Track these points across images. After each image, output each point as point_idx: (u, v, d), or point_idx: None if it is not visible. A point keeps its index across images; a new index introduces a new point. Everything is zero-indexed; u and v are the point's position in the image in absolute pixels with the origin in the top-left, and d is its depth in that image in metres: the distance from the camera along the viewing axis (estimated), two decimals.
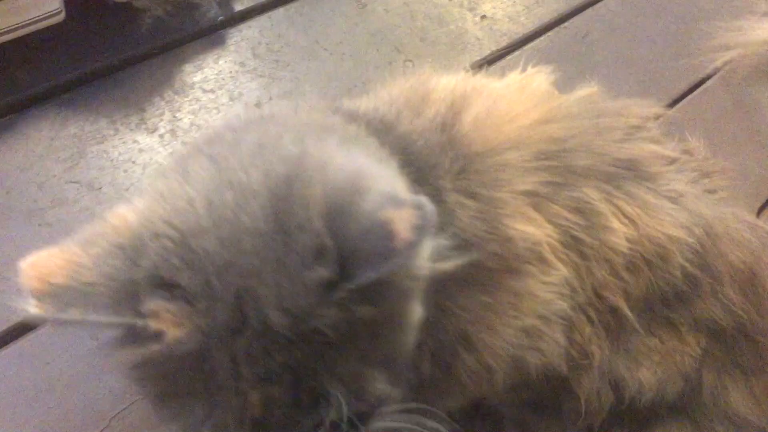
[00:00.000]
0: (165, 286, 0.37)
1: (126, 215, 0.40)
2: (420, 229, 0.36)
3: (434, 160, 0.49)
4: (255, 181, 0.39)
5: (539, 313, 0.52)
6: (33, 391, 0.77)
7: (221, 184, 0.39)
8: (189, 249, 0.37)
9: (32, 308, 0.36)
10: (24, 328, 0.81)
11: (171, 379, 0.38)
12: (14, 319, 0.81)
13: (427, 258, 0.41)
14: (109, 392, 0.79)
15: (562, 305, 0.53)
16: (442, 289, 0.47)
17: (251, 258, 0.37)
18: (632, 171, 0.55)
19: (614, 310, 0.55)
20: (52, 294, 0.36)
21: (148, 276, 0.37)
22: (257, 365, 0.37)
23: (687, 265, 0.55)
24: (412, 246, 0.36)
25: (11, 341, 0.80)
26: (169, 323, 0.36)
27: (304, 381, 0.38)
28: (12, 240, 0.84)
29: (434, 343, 0.50)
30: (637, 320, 0.55)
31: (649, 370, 0.59)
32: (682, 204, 0.55)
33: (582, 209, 0.52)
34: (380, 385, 0.40)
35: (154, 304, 0.37)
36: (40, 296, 0.36)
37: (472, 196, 0.49)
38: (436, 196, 0.48)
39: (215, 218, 0.38)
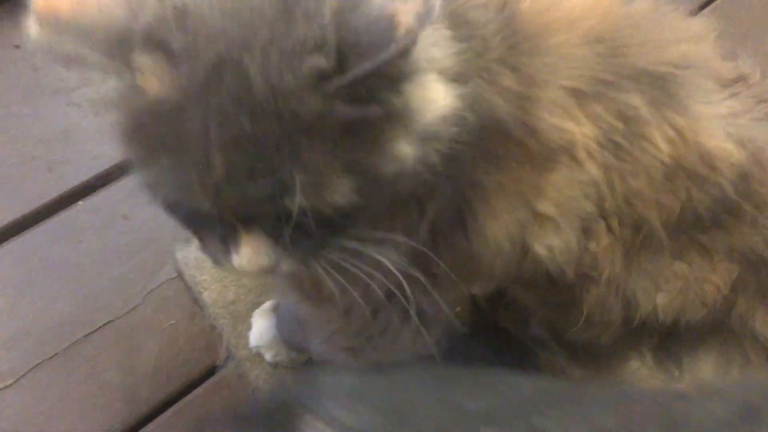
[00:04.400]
0: (156, 44, 0.38)
1: None
2: (422, 16, 0.36)
3: (486, 34, 0.47)
4: None
5: (558, 203, 0.51)
6: (66, 268, 0.80)
7: None
8: (186, 12, 0.38)
9: (33, 31, 0.38)
10: (56, 207, 0.83)
11: (148, 134, 0.40)
12: (47, 197, 0.83)
13: (427, 53, 0.41)
14: (142, 270, 0.81)
15: (586, 205, 0.51)
16: (453, 160, 0.46)
17: (246, 31, 0.38)
18: (686, 78, 0.51)
19: (641, 225, 0.53)
20: (55, 24, 0.38)
21: (143, 32, 0.38)
22: (226, 128, 0.38)
23: (729, 187, 0.52)
24: (412, 32, 0.36)
25: (43, 219, 0.82)
26: (152, 79, 0.38)
27: (267, 156, 0.39)
28: (38, 118, 0.84)
29: (434, 208, 0.50)
30: (666, 238, 0.54)
31: (668, 295, 0.57)
32: (734, 122, 0.52)
33: (626, 114, 0.49)
34: (343, 190, 0.40)
35: (142, 59, 0.38)
36: (44, 23, 0.38)
37: (516, 79, 0.47)
38: (479, 68, 0.46)
39: None
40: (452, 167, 0.46)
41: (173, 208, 0.42)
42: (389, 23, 0.36)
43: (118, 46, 0.38)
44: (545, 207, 0.51)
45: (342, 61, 0.37)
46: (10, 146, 0.84)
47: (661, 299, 0.57)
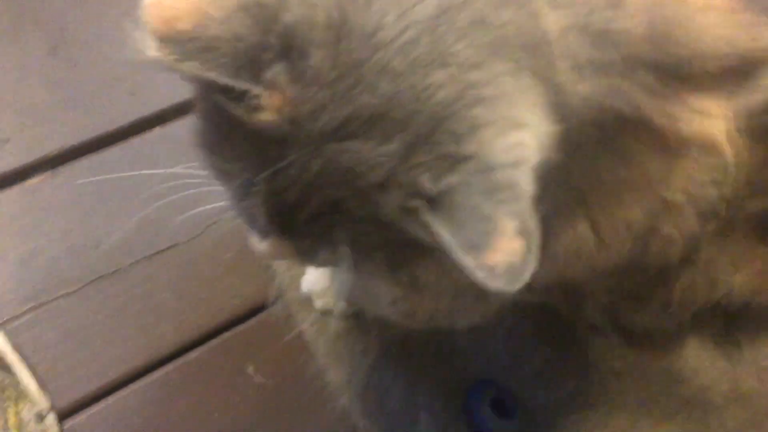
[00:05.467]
0: (294, 53, 0.34)
1: None
2: (512, 269, 0.33)
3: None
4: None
5: (687, 191, 0.48)
6: (136, 190, 0.82)
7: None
8: (341, 34, 0.34)
9: (151, 51, 0.33)
10: (134, 130, 0.85)
11: (235, 138, 0.37)
12: (126, 119, 0.85)
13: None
14: (207, 201, 0.83)
15: (712, 192, 0.49)
16: (576, 152, 0.43)
17: (399, 107, 0.34)
18: None
19: (744, 208, 0.51)
20: (175, 40, 0.33)
21: (281, 37, 0.34)
22: (312, 176, 0.35)
23: None
24: (495, 274, 0.33)
25: (120, 141, 0.84)
26: (274, 105, 0.34)
27: (325, 221, 0.37)
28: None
29: (541, 212, 0.48)
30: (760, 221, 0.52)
31: (746, 277, 0.55)
32: None
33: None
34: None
35: (275, 75, 0.34)
36: (162, 39, 0.33)
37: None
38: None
39: (395, 46, 0.34)
40: (565, 167, 0.44)
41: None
42: (487, 239, 0.33)
43: (248, 64, 0.34)
44: (674, 195, 0.48)
45: (438, 202, 0.35)
46: (98, 66, 0.87)
47: (738, 280, 0.55)
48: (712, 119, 0.46)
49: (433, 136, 0.34)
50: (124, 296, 0.77)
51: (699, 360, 0.74)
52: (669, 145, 0.46)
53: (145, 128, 0.86)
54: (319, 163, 0.35)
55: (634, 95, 0.43)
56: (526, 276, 0.33)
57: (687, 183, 0.48)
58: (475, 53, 0.35)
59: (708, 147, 0.46)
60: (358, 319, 0.76)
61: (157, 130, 0.86)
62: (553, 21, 0.39)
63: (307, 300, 0.78)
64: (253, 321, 0.78)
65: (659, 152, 0.46)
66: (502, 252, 0.33)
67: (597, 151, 0.44)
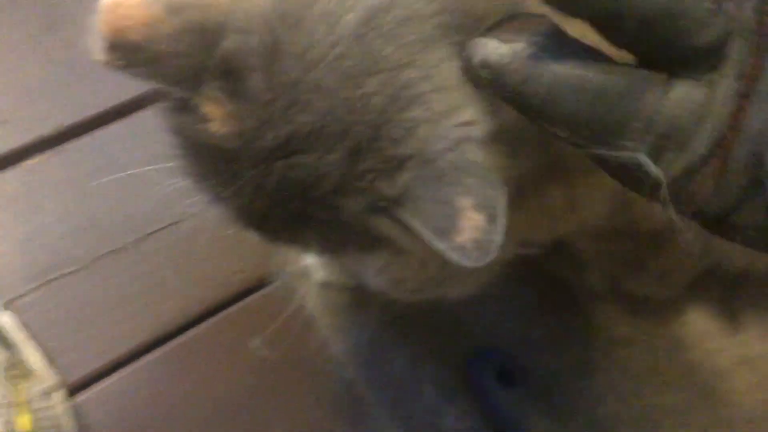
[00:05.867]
0: (231, 76, 0.36)
1: None
2: (480, 244, 0.34)
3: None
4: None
5: None
6: (137, 167, 0.82)
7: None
8: (274, 58, 0.35)
9: (99, 55, 0.35)
10: (134, 106, 0.85)
11: (196, 156, 0.39)
12: (127, 95, 0.85)
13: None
14: None
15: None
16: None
17: (337, 118, 0.35)
18: None
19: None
20: (123, 48, 0.35)
21: (219, 61, 0.36)
22: (271, 190, 0.37)
23: None
24: (463, 251, 0.34)
25: (121, 117, 0.84)
26: (217, 115, 0.36)
27: (294, 226, 0.39)
28: None
29: (518, 169, 0.47)
30: None
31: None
32: None
33: None
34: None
35: (213, 90, 0.36)
36: (111, 47, 0.35)
37: None
38: None
39: (333, 54, 0.35)
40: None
41: None
42: (452, 221, 0.34)
43: (190, 78, 0.36)
44: None
45: (400, 201, 0.36)
46: None
47: (734, 246, 0.54)
48: None
49: (374, 142, 0.35)
50: (128, 273, 0.77)
51: (704, 325, 0.74)
52: None
53: (144, 105, 0.85)
54: (274, 180, 0.37)
55: None
56: (494, 248, 0.34)
57: None
58: (406, 52, 0.36)
59: None
60: (359, 291, 0.76)
61: (157, 107, 0.86)
62: None
63: (307, 273, 0.78)
64: (255, 296, 0.78)
65: None
66: (466, 230, 0.34)
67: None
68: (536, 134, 0.39)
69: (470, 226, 0.34)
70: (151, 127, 0.85)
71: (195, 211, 0.79)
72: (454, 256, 0.34)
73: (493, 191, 0.35)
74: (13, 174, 0.79)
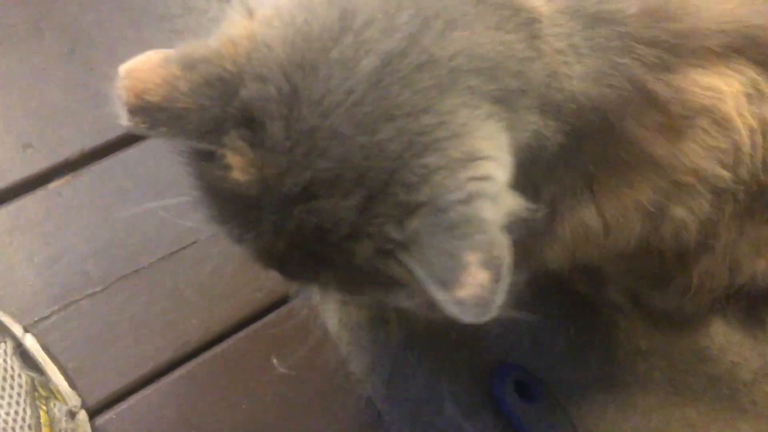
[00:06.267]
0: (252, 123, 0.37)
1: (240, 41, 0.38)
2: (481, 301, 0.34)
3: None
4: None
5: (697, 173, 0.48)
6: (158, 187, 0.83)
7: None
8: (293, 105, 0.36)
9: (123, 120, 0.37)
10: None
11: (219, 200, 0.40)
12: None
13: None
14: None
15: (723, 174, 0.48)
16: (580, 140, 0.43)
17: (352, 165, 0.36)
18: None
19: (764, 192, 0.50)
20: (145, 111, 0.37)
21: (240, 109, 0.37)
22: (290, 234, 0.38)
23: None
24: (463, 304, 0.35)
25: (142, 139, 0.85)
26: (239, 164, 0.37)
27: (313, 268, 0.40)
28: (143, 42, 0.86)
29: (551, 192, 0.47)
30: None
31: None
32: None
33: None
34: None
35: (234, 140, 0.37)
36: (133, 110, 0.37)
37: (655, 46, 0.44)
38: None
39: (346, 104, 0.36)
40: (572, 152, 0.44)
41: None
42: (456, 275, 0.35)
43: (212, 131, 0.37)
44: (683, 177, 0.48)
45: (407, 246, 0.36)
46: (115, 67, 0.87)
47: (761, 265, 0.54)
48: (720, 96, 0.45)
49: (387, 188, 0.36)
50: (148, 294, 0.78)
51: (726, 338, 0.73)
52: (673, 125, 0.45)
53: None
54: (293, 224, 0.37)
55: (635, 70, 0.43)
56: (494, 306, 0.34)
57: (696, 164, 0.47)
58: (422, 98, 0.36)
59: (718, 121, 0.45)
60: (379, 308, 0.76)
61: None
62: (541, 4, 0.39)
63: None
64: (275, 313, 0.78)
65: (663, 134, 0.46)
66: (469, 286, 0.34)
67: (600, 139, 0.44)
68: (563, 157, 0.40)
69: (474, 283, 0.34)
70: (170, 150, 0.86)
71: (214, 231, 0.81)
72: (453, 310, 0.34)
73: (500, 252, 0.35)
74: (35, 197, 0.80)
